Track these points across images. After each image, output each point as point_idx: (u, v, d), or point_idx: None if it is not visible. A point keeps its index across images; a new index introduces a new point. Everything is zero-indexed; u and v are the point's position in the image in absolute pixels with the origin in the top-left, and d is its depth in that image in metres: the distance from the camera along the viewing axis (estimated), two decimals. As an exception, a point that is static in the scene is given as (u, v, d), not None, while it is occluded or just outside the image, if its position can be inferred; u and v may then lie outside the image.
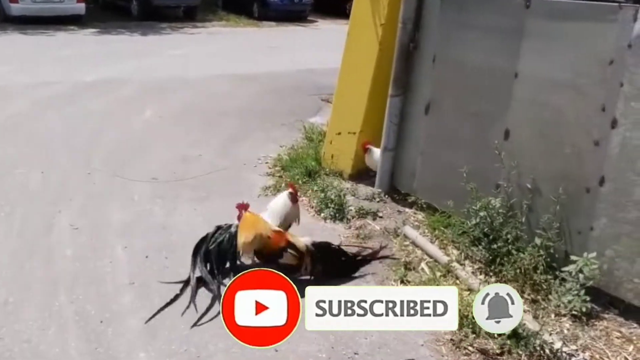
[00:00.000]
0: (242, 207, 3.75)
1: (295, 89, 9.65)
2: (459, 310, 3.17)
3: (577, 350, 3.11)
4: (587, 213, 3.53)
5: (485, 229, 3.92)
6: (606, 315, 3.47)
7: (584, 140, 3.50)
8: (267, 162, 6.16)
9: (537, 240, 3.73)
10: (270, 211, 4.00)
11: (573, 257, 3.49)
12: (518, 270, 3.66)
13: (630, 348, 3.24)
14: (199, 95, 9.02)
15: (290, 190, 4.07)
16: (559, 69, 3.63)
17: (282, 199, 4.07)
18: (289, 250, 3.54)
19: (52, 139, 6.63)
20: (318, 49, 13.79)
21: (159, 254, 4.11)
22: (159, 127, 7.31)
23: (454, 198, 4.28)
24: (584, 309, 3.35)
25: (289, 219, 4.02)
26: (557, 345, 3.06)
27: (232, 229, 3.78)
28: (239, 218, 3.72)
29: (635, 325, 3.41)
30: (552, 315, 3.42)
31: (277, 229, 3.71)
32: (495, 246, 3.87)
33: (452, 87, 4.42)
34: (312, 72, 10.99)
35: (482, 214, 3.94)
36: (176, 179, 5.60)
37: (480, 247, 3.99)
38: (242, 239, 3.59)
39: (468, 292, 3.58)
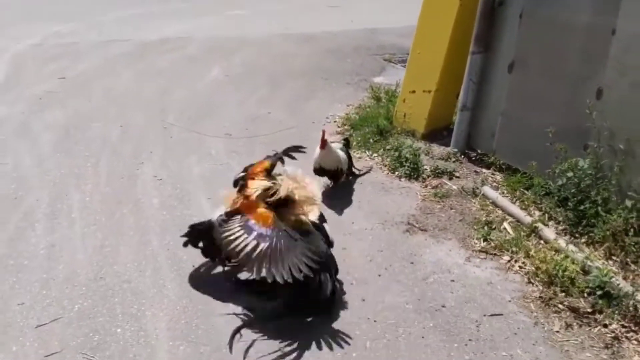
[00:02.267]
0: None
1: (357, 49, 9.54)
2: (547, 269, 3.16)
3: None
4: (686, 175, 3.40)
5: (573, 190, 3.83)
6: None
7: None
8: (335, 121, 6.16)
9: (628, 202, 3.62)
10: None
11: (671, 221, 3.38)
12: (607, 232, 3.57)
13: None
14: (262, 54, 9.03)
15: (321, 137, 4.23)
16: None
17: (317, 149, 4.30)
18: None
19: (125, 95, 6.80)
20: (379, 8, 13.55)
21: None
22: (227, 85, 7.38)
23: (537, 159, 4.19)
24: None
25: (323, 164, 4.34)
26: (653, 306, 2.99)
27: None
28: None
29: None
30: (643, 279, 3.34)
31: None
32: (582, 207, 3.78)
33: (540, 46, 4.28)
34: (373, 32, 10.83)
35: (569, 174, 3.84)
36: (248, 136, 5.67)
37: (566, 208, 3.90)
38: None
39: (554, 253, 3.53)
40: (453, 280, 3.41)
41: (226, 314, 3.08)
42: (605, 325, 3.00)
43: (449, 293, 3.29)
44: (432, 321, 3.06)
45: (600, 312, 3.08)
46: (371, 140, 5.36)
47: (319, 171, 4.40)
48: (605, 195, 3.73)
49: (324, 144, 4.29)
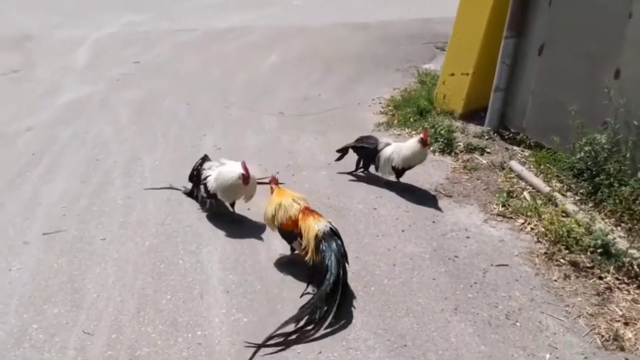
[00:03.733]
0: (273, 181, 3.65)
1: (410, 37, 9.91)
2: (555, 229, 3.55)
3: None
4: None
5: (589, 163, 4.17)
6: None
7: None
8: (380, 103, 6.61)
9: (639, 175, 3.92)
10: (396, 151, 4.39)
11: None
12: (618, 201, 3.89)
13: None
14: (318, 41, 9.57)
15: (422, 135, 4.26)
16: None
17: (411, 142, 4.36)
18: (299, 239, 3.37)
19: (192, 77, 7.52)
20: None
21: (286, 171, 4.75)
22: (283, 69, 7.96)
23: (561, 135, 4.53)
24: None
25: (414, 161, 4.36)
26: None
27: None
28: (271, 192, 3.61)
29: None
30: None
31: (297, 210, 3.42)
32: (597, 179, 4.11)
33: (566, 29, 4.61)
34: (427, 21, 11.13)
35: (587, 148, 4.18)
36: (299, 114, 6.23)
37: (582, 179, 4.24)
38: (264, 212, 3.56)
39: (564, 215, 3.89)
40: (468, 237, 3.84)
41: (267, 253, 3.64)
42: (601, 278, 3.36)
43: (463, 247, 3.73)
44: (444, 267, 3.52)
45: (599, 267, 3.43)
46: (411, 120, 5.80)
47: (400, 170, 4.44)
48: (619, 168, 4.04)
49: (425, 141, 4.27)
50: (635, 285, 3.27)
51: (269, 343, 2.89)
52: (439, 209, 4.21)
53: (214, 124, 5.91)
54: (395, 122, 5.82)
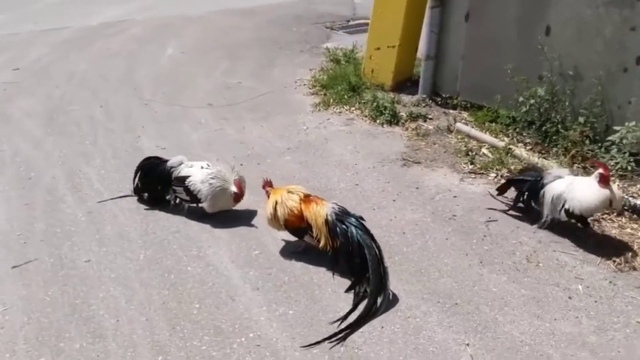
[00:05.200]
0: (267, 184, 3.52)
1: (298, 19, 9.97)
2: None
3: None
4: (625, 90, 4.19)
5: (536, 114, 4.56)
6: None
7: (621, 27, 4.11)
8: (304, 84, 6.63)
9: (581, 119, 4.39)
10: (571, 190, 3.38)
11: (615, 128, 4.16)
12: (569, 145, 4.31)
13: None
14: (208, 30, 9.28)
15: (600, 170, 3.21)
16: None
17: (589, 184, 3.28)
18: (309, 232, 3.28)
19: (90, 78, 6.94)
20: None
21: (249, 161, 4.63)
22: (187, 61, 7.63)
23: (497, 94, 4.88)
24: (629, 168, 4.03)
25: (596, 209, 3.37)
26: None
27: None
28: (268, 197, 3.46)
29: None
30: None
31: (297, 202, 3.33)
32: (544, 128, 4.52)
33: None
34: (309, 2, 11.27)
35: (532, 101, 4.56)
36: (229, 104, 6.04)
37: (531, 131, 4.63)
38: (266, 217, 3.42)
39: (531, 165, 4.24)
40: (455, 197, 4.05)
41: (275, 244, 3.55)
42: (585, 213, 3.72)
43: (456, 206, 3.93)
44: (449, 227, 3.68)
45: (579, 204, 3.79)
46: (346, 97, 5.89)
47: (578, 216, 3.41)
48: (563, 115, 4.47)
49: (606, 179, 3.20)
50: (615, 215, 3.67)
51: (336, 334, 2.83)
52: (415, 175, 4.37)
53: (143, 123, 5.54)
54: (331, 100, 5.86)
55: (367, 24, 9.60)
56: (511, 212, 3.82)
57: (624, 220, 3.63)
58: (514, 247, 3.44)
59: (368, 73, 6.09)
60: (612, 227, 3.61)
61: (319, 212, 3.25)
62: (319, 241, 3.25)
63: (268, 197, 3.49)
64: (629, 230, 3.52)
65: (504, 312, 2.93)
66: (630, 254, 3.31)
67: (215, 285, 3.20)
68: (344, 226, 3.17)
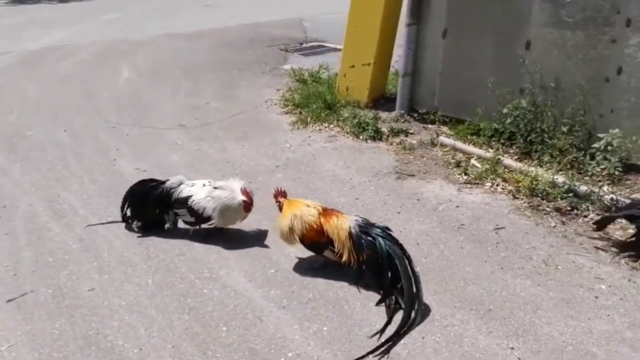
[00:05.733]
0: (279, 194, 3.39)
1: (250, 42, 9.94)
2: (527, 185, 3.95)
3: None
4: (607, 99, 4.39)
5: (520, 125, 4.70)
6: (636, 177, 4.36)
7: (602, 39, 4.33)
8: (275, 104, 6.56)
9: (564, 128, 4.56)
10: None
11: (600, 135, 4.35)
12: (555, 154, 4.46)
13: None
14: (160, 53, 9.08)
15: None
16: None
17: None
18: (330, 247, 3.16)
19: (45, 103, 6.60)
20: (251, 4, 14.02)
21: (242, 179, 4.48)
22: (146, 83, 7.40)
23: (479, 108, 4.99)
24: (617, 172, 4.21)
25: None
26: (609, 197, 3.90)
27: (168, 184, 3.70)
28: (280, 208, 3.37)
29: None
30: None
31: (317, 216, 3.21)
32: (530, 138, 4.66)
33: (471, 12, 5.10)
34: (258, 26, 11.30)
35: (515, 113, 4.70)
36: (202, 124, 5.88)
37: (516, 141, 4.76)
38: (279, 228, 3.29)
39: (524, 175, 4.33)
40: (458, 206, 4.07)
41: (288, 260, 3.43)
42: (585, 216, 3.85)
43: (461, 215, 3.95)
44: (460, 236, 3.68)
45: (577, 208, 3.92)
46: (322, 114, 5.86)
47: None
48: (547, 125, 4.63)
49: None
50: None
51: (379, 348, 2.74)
52: (412, 188, 4.37)
53: (115, 146, 5.28)
54: (308, 118, 5.82)
55: (321, 47, 9.86)
56: (516, 217, 3.87)
57: (624, 221, 3.74)
58: (529, 252, 3.48)
59: (343, 91, 6.10)
60: (615, 229, 3.72)
61: (341, 225, 3.16)
62: (340, 256, 3.15)
63: (280, 209, 3.36)
64: (631, 230, 3.63)
65: (539, 315, 2.93)
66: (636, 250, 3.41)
67: (238, 307, 3.04)
68: (369, 238, 3.09)
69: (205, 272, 3.34)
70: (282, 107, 6.36)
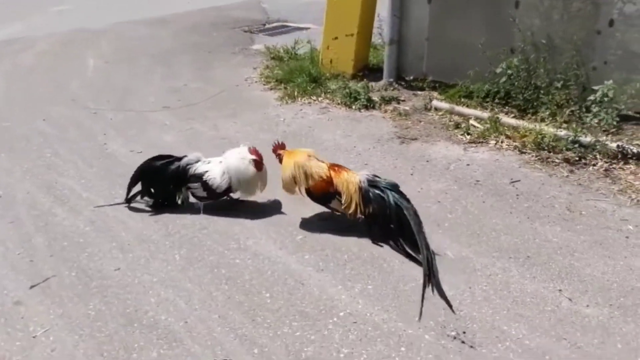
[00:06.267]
0: (279, 147, 3.40)
1: (213, 25, 9.72)
2: (533, 140, 4.01)
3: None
4: (600, 51, 4.50)
5: (515, 83, 4.75)
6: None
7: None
8: (256, 81, 6.43)
9: (557, 84, 4.64)
10: None
11: (594, 87, 4.44)
12: (553, 108, 4.54)
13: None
14: (123, 40, 8.76)
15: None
16: None
17: None
18: (337, 197, 3.19)
19: (14, 95, 6.27)
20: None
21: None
22: (115, 70, 7.13)
23: (468, 71, 5.03)
24: (614, 123, 4.32)
25: None
26: (614, 145, 4.00)
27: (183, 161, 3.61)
28: (280, 160, 3.37)
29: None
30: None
31: (326, 168, 3.24)
32: (524, 96, 4.73)
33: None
34: (218, 9, 11.06)
35: (509, 72, 4.75)
36: (187, 105, 5.71)
37: (510, 100, 4.82)
38: (282, 179, 3.31)
39: (527, 130, 4.39)
40: (469, 164, 4.09)
41: (317, 226, 3.37)
42: (594, 165, 3.93)
43: (473, 172, 3.97)
44: (479, 192, 3.71)
45: (584, 158, 4.00)
46: (309, 88, 5.78)
47: None
48: (542, 82, 4.70)
49: None
50: (622, 163, 3.91)
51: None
52: (418, 150, 4.38)
53: (102, 130, 5.07)
54: (296, 92, 5.73)
55: (284, 26, 9.75)
56: (528, 170, 3.92)
57: (633, 166, 3.85)
58: (550, 201, 3.53)
59: (327, 64, 6.04)
60: (625, 173, 3.81)
61: (351, 179, 3.19)
62: (347, 207, 3.15)
63: (280, 161, 3.35)
64: (641, 174, 3.74)
65: (576, 258, 2.98)
66: (657, 193, 3.52)
67: (276, 273, 2.96)
68: (378, 191, 3.10)
69: (232, 244, 3.25)
70: (264, 84, 6.25)
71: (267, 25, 9.93)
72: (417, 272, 2.90)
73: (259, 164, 3.47)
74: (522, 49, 4.80)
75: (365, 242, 3.19)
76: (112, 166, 4.28)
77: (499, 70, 4.82)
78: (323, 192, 3.24)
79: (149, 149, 4.57)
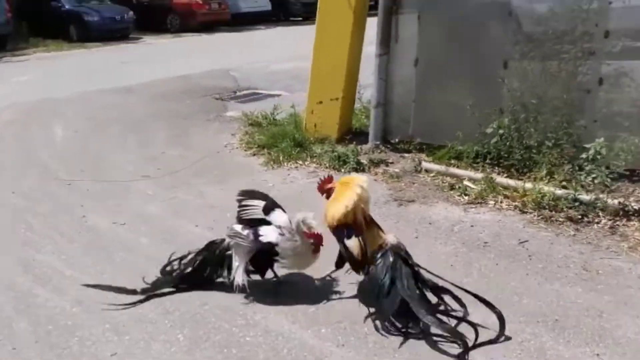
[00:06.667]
0: (327, 181, 3.24)
1: (184, 93, 9.65)
2: (533, 199, 3.96)
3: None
4: (589, 110, 4.56)
5: (507, 143, 4.76)
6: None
7: (582, 53, 4.52)
8: (237, 147, 6.29)
9: (548, 142, 4.66)
10: None
11: (586, 145, 4.47)
12: (549, 167, 4.52)
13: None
14: (92, 109, 8.56)
15: None
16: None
17: None
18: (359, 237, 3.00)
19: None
20: (171, 59, 13.75)
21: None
22: (86, 139, 6.89)
23: (458, 131, 5.03)
24: (608, 180, 4.32)
25: None
26: (615, 202, 3.99)
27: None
28: (328, 195, 3.17)
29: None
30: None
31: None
32: (518, 155, 4.72)
33: (442, 39, 5.19)
34: (186, 78, 11.04)
35: (501, 131, 4.76)
36: (168, 173, 5.50)
37: (502, 160, 4.81)
38: (342, 208, 3.00)
39: (526, 190, 4.33)
40: (472, 226, 3.99)
41: (326, 295, 3.19)
42: (598, 222, 3.89)
43: (479, 234, 3.86)
44: (490, 254, 3.59)
45: (587, 215, 3.96)
46: (294, 152, 5.67)
47: None
48: (532, 142, 4.72)
49: None
50: (625, 220, 3.87)
51: None
52: (418, 212, 4.26)
53: (79, 202, 4.78)
54: (281, 157, 5.61)
55: (255, 94, 9.76)
56: (534, 230, 3.83)
57: (637, 223, 3.81)
58: (564, 261, 3.44)
59: (311, 128, 5.97)
60: (631, 230, 3.77)
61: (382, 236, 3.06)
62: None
63: (328, 196, 3.13)
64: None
65: (606, 320, 2.86)
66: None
67: (293, 351, 2.73)
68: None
69: (239, 320, 3.00)
70: (246, 150, 6.11)
71: (238, 93, 9.94)
72: (447, 346, 2.69)
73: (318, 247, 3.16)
74: (512, 109, 4.82)
75: (383, 313, 2.97)
76: (95, 240, 4.00)
77: (489, 130, 4.82)
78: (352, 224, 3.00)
79: (134, 220, 4.34)
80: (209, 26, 20.78)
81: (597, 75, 4.51)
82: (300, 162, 5.54)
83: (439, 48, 5.25)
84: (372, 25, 5.72)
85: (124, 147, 6.45)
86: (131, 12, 18.81)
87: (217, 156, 5.97)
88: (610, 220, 3.89)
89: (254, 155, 5.93)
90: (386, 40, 5.41)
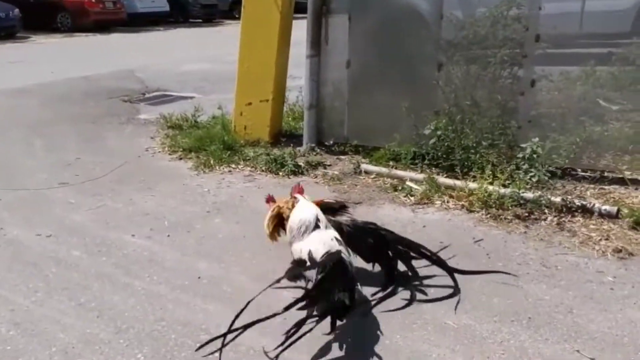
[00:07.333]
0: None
1: (86, 95, 9.03)
2: (479, 198, 4.03)
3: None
4: (523, 111, 4.72)
5: (446, 144, 4.81)
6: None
7: (514, 56, 4.67)
8: (159, 151, 5.92)
9: (485, 143, 4.77)
10: None
11: (522, 145, 4.62)
12: (489, 167, 4.60)
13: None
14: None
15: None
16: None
17: None
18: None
19: None
20: (62, 61, 12.92)
21: (176, 231, 3.91)
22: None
23: (391, 134, 5.03)
24: (546, 178, 4.47)
25: None
26: (558, 199, 4.13)
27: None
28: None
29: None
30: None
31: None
32: (457, 155, 4.78)
33: (375, 41, 5.16)
34: (87, 79, 10.37)
35: (439, 132, 4.81)
36: (89, 180, 5.05)
37: (441, 161, 4.86)
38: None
39: (470, 189, 4.38)
40: (424, 226, 3.97)
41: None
42: (545, 219, 3.99)
43: (433, 234, 3.84)
44: (449, 254, 3.55)
45: (533, 213, 4.06)
46: (224, 156, 5.41)
47: None
48: (470, 142, 4.80)
49: None
50: (570, 216, 4.01)
51: None
52: (368, 214, 4.18)
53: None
54: (212, 161, 5.33)
55: (165, 96, 9.31)
56: (485, 228, 3.87)
57: (581, 219, 3.96)
58: (522, 258, 3.48)
59: (240, 130, 5.73)
60: (577, 226, 3.90)
61: None
62: None
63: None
64: (592, 226, 3.85)
65: (577, 315, 2.91)
66: (612, 242, 3.61)
67: (271, 369, 2.49)
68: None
69: (202, 335, 2.73)
70: (170, 154, 5.75)
71: (147, 95, 9.44)
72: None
73: None
74: (448, 110, 4.88)
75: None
76: (19, 254, 3.53)
77: (427, 131, 4.83)
78: None
79: (60, 231, 3.92)
80: (103, 26, 19.71)
81: (530, 78, 4.65)
82: (234, 165, 5.28)
83: (371, 50, 5.23)
84: (301, 27, 5.58)
85: (31, 152, 5.85)
86: (17, 10, 17.32)
87: (139, 161, 5.56)
88: (555, 217, 4.00)
89: (181, 159, 5.59)
90: (317, 41, 5.30)
